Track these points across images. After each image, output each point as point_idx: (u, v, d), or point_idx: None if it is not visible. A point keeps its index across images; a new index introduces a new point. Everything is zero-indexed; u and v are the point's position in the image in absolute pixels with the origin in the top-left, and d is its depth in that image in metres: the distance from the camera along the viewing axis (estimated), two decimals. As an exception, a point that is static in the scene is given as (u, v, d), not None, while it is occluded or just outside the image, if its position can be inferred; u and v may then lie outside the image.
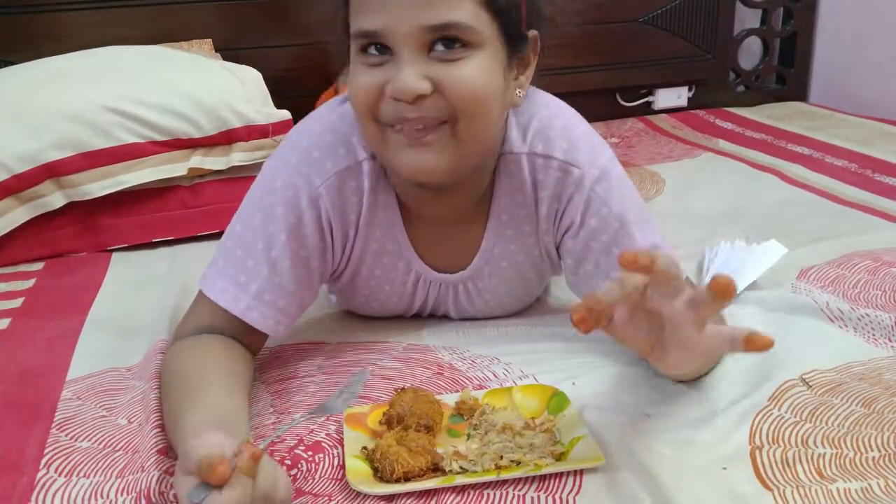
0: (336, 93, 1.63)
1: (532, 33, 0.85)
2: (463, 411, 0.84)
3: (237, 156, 1.47)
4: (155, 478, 0.74)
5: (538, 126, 0.91)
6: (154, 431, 0.81)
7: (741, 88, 2.39)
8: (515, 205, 0.94)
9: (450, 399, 0.85)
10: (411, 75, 0.77)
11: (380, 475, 0.73)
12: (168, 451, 0.79)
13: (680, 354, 0.68)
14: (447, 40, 0.78)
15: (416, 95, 0.77)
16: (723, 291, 0.62)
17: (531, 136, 0.91)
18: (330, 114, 0.93)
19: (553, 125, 0.92)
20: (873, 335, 0.98)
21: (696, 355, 0.69)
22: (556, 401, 0.84)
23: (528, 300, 1.07)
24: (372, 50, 0.79)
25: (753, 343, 0.63)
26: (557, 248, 0.97)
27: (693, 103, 2.33)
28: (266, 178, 0.92)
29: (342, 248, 0.94)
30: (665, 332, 0.67)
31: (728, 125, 2.14)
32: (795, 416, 0.82)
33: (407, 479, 0.72)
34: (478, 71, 0.79)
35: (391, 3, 0.76)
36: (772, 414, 0.82)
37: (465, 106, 0.79)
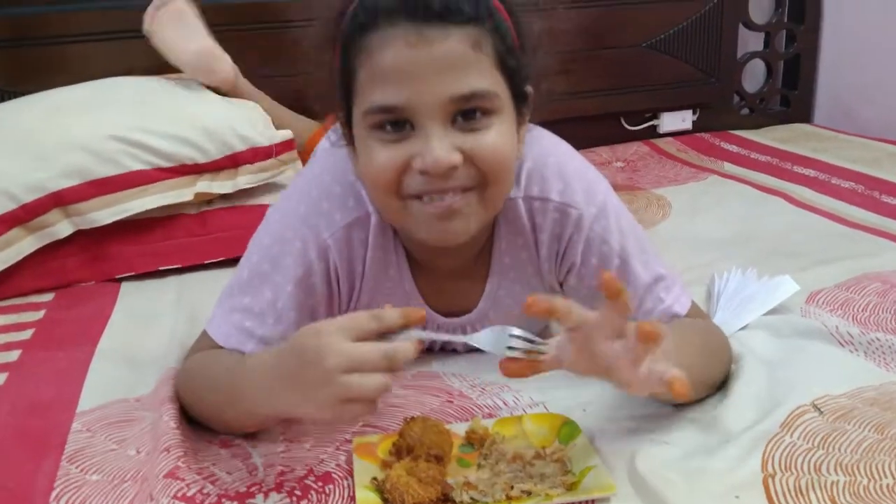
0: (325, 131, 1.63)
1: (528, 89, 0.85)
2: (473, 441, 0.83)
3: (243, 179, 1.49)
4: (164, 508, 0.74)
5: (531, 167, 0.91)
6: (161, 456, 0.80)
7: (745, 111, 2.39)
8: (517, 247, 0.94)
9: (460, 428, 0.85)
10: (444, 149, 0.76)
11: (390, 506, 0.73)
12: (177, 472, 0.78)
13: (627, 391, 0.70)
14: (467, 111, 0.77)
15: (449, 168, 0.77)
16: (647, 337, 0.64)
17: (525, 179, 0.91)
18: (338, 162, 0.91)
19: (547, 164, 0.91)
20: (884, 359, 0.98)
21: (639, 392, 0.70)
22: (567, 430, 0.83)
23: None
24: (388, 126, 0.78)
25: (672, 387, 0.66)
26: (561, 285, 0.97)
27: (698, 126, 2.32)
28: (275, 226, 0.92)
29: (348, 298, 0.94)
30: (609, 373, 0.69)
31: (733, 148, 2.14)
32: (808, 443, 0.81)
33: (417, 510, 0.72)
34: (501, 137, 0.79)
35: (415, 76, 0.74)
36: (784, 441, 0.82)
37: (494, 172, 0.79)
